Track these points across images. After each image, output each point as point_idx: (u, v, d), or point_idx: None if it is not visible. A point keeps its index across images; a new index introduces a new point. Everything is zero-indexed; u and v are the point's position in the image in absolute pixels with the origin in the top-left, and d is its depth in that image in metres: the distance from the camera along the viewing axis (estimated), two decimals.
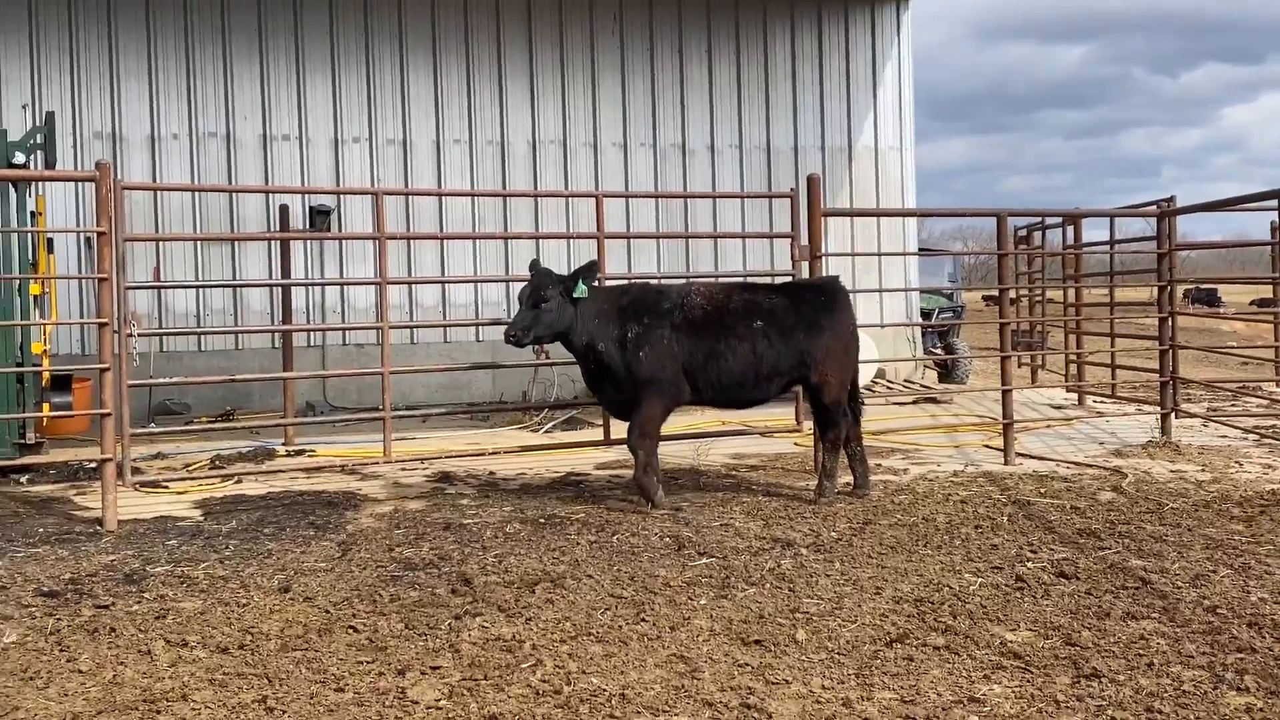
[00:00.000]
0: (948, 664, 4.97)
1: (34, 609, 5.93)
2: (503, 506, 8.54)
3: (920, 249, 21.36)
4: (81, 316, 14.19)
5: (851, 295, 9.18)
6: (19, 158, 10.87)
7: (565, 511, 8.29)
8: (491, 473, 10.08)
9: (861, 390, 9.55)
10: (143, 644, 5.29)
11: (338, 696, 4.60)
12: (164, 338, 14.43)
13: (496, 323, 15.46)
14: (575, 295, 8.54)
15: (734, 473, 9.95)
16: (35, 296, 11.11)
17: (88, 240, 13.88)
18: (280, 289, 14.03)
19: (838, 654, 5.11)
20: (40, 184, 11.35)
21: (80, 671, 4.95)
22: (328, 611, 5.78)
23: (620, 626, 5.50)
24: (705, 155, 17.53)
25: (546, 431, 12.90)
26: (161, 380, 11.44)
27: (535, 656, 5.05)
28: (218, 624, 5.58)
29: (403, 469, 10.21)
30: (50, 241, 11.44)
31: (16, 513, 8.73)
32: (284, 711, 4.45)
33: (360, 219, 15.74)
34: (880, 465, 10.27)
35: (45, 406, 10.69)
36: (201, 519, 8.34)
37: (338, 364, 15.26)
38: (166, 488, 9.54)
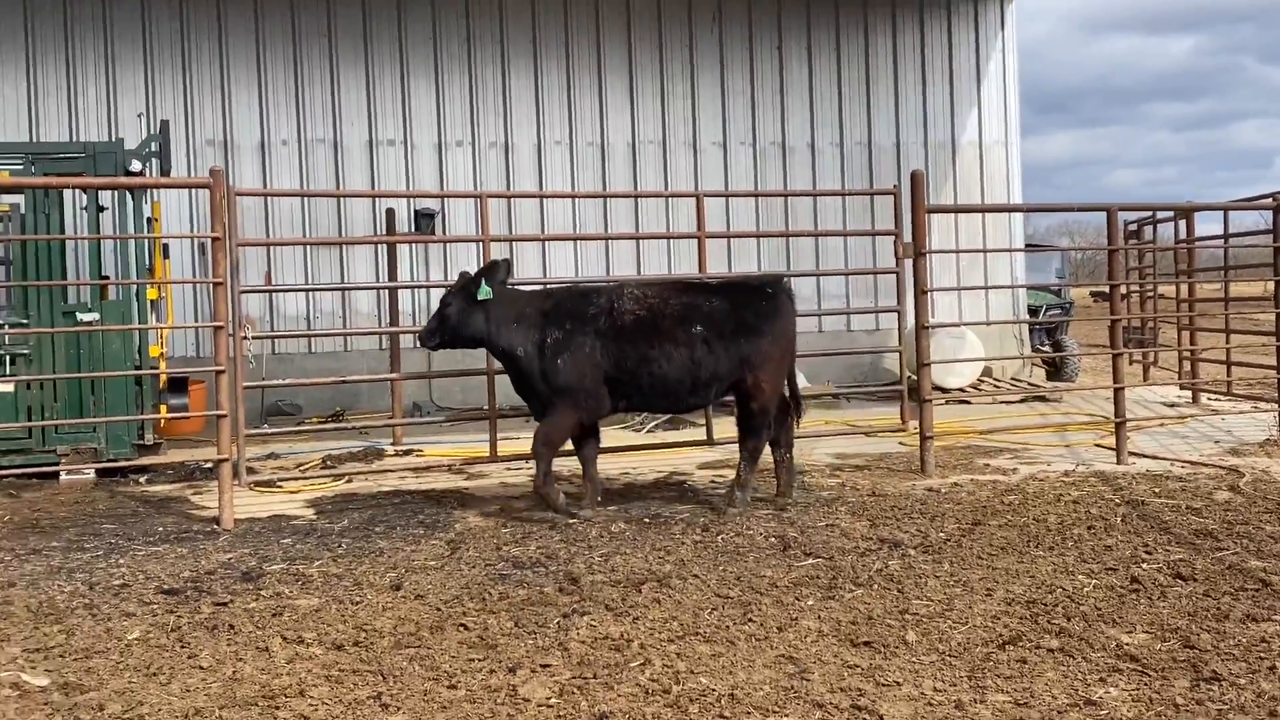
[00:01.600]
0: (1062, 667, 4.89)
1: (155, 606, 6.10)
2: (607, 506, 8.58)
3: (1027, 245, 20.99)
4: (196, 320, 14.55)
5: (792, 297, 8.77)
6: (135, 165, 11.21)
7: (669, 511, 8.32)
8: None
9: (801, 395, 9.13)
10: (260, 641, 5.42)
11: (450, 693, 4.67)
12: (275, 340, 14.77)
13: None
14: (480, 297, 8.28)
15: (838, 473, 9.88)
16: (152, 301, 11.45)
17: (201, 246, 14.25)
18: (387, 291, 14.26)
19: (949, 656, 5.06)
20: (156, 191, 11.68)
21: (201, 668, 5.08)
22: (439, 609, 5.87)
23: (727, 626, 5.51)
24: (805, 153, 17.43)
25: (649, 431, 12.93)
26: (274, 382, 11.70)
27: (643, 655, 5.08)
28: (333, 621, 5.69)
29: (508, 468, 10.31)
30: (166, 247, 11.77)
31: (136, 512, 8.99)
32: (398, 708, 4.53)
33: (464, 221, 15.93)
34: (988, 465, 10.12)
35: (163, 408, 11.01)
36: (314, 517, 8.52)
37: (443, 365, 15.44)
38: (280, 487, 9.75)
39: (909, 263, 10.26)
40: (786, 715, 4.42)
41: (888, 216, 13.45)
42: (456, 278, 8.62)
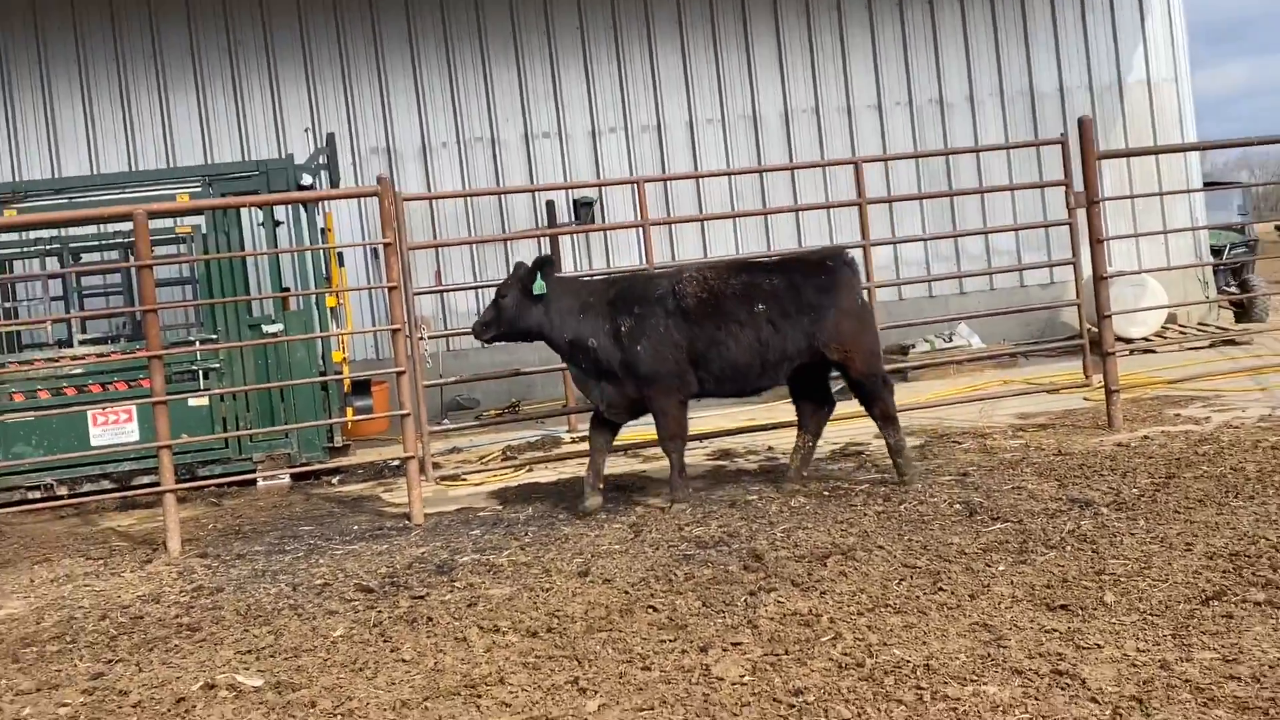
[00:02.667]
0: (1271, 620, 4.69)
1: (356, 603, 6.32)
2: (785, 481, 8.54)
3: (1205, 184, 20.11)
4: (374, 324, 15.00)
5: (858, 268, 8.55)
6: (306, 179, 11.62)
7: (848, 483, 8.24)
8: (770, 447, 10.11)
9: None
10: (458, 631, 5.57)
11: (645, 675, 4.72)
12: (450, 338, 15.12)
13: None
14: (535, 292, 8.14)
15: (1021, 433, 9.63)
16: (331, 309, 11.86)
17: (374, 251, 14.67)
18: None
19: (1150, 615, 4.90)
20: (328, 202, 12.08)
21: (404, 661, 5.24)
22: (627, 592, 5.94)
23: (918, 596, 5.44)
24: (964, 107, 17.03)
25: None
26: (452, 379, 11.99)
27: (834, 630, 5.05)
28: (525, 609, 5.81)
29: None
30: (340, 256, 12.17)
31: (331, 512, 9.33)
32: (595, 691, 4.60)
33: (622, 207, 16.03)
34: (1179, 415, 9.75)
35: (349, 411, 11.40)
36: (500, 508, 8.71)
37: None
38: (465, 480, 10.00)
39: (1081, 212, 9.95)
40: (985, 683, 4.34)
41: (1055, 166, 13.06)
42: (513, 268, 8.50)
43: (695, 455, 10.09)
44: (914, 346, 14.92)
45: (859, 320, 8.22)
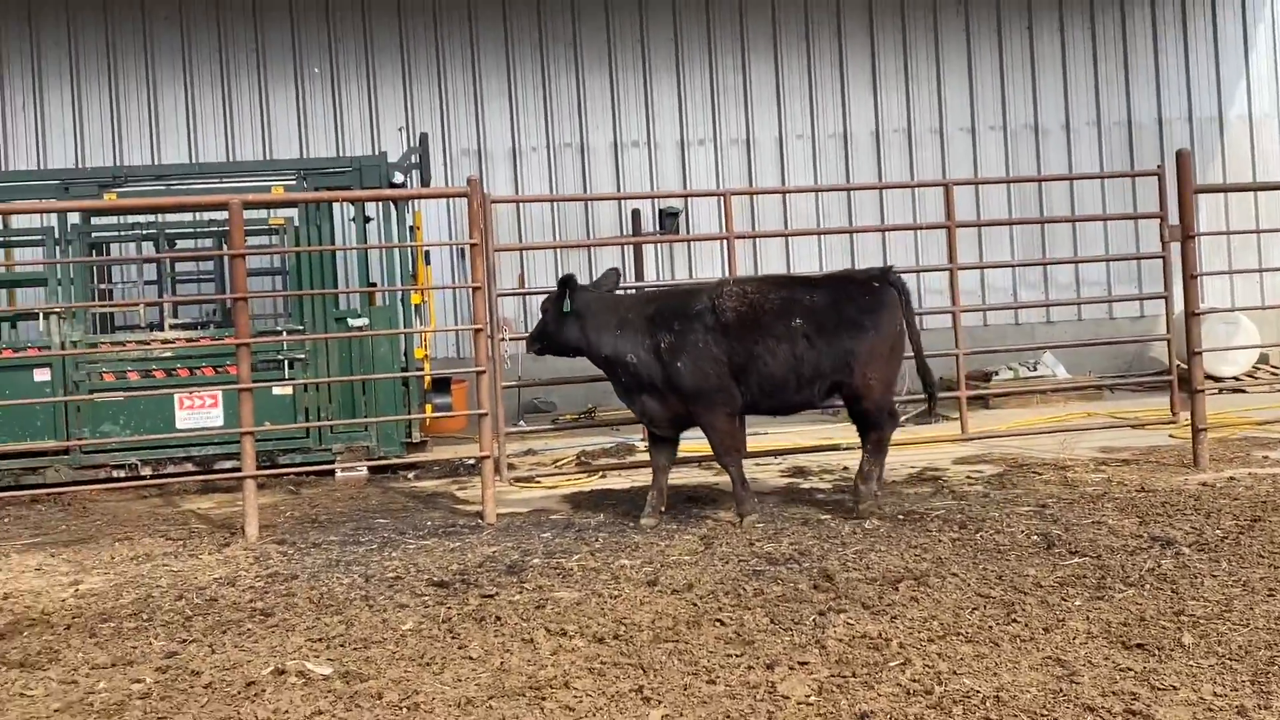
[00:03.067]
0: None
1: (427, 598, 6.38)
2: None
3: None
4: (456, 323, 15.14)
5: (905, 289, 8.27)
6: (398, 177, 11.77)
7: (924, 507, 8.15)
8: (845, 468, 10.02)
9: (936, 390, 8.62)
10: (526, 632, 5.59)
11: (710, 689, 4.71)
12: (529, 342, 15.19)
13: None
14: (564, 310, 8.21)
15: (1103, 467, 9.47)
16: (415, 306, 11.99)
17: (460, 252, 14.81)
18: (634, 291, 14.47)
19: (1229, 659, 4.78)
20: (417, 200, 12.22)
21: (471, 658, 5.27)
22: (695, 604, 5.92)
23: (990, 627, 5.36)
24: (1059, 135, 16.82)
25: (900, 425, 12.68)
26: (531, 381, 12.07)
27: (903, 655, 4.99)
28: (593, 614, 5.82)
29: (756, 464, 10.31)
30: (427, 254, 12.31)
31: (406, 507, 9.43)
32: (659, 701, 4.59)
33: (707, 219, 16.04)
34: (1267, 457, 9.54)
35: (428, 408, 11.52)
36: (572, 512, 8.74)
37: None
38: (539, 482, 10.05)
39: (1176, 246, 9.76)
40: (1056, 718, 4.27)
41: (1150, 198, 12.84)
42: (557, 283, 8.50)
43: (768, 471, 10.06)
44: (996, 374, 14.73)
45: (891, 349, 8.09)
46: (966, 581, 6.12)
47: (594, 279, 8.77)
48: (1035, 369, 14.78)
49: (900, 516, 7.87)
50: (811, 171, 16.48)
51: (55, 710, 4.84)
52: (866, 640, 5.22)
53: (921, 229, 15.77)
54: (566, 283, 8.25)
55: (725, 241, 10.04)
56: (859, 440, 8.31)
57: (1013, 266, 16.18)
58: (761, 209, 16.20)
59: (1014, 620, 5.43)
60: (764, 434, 11.41)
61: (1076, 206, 16.46)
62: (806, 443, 11.12)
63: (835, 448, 10.35)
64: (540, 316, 8.47)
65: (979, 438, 10.79)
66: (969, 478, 9.36)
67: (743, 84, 16.48)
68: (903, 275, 8.34)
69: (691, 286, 8.71)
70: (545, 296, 8.57)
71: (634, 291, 10.18)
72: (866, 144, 16.63)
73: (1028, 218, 16.14)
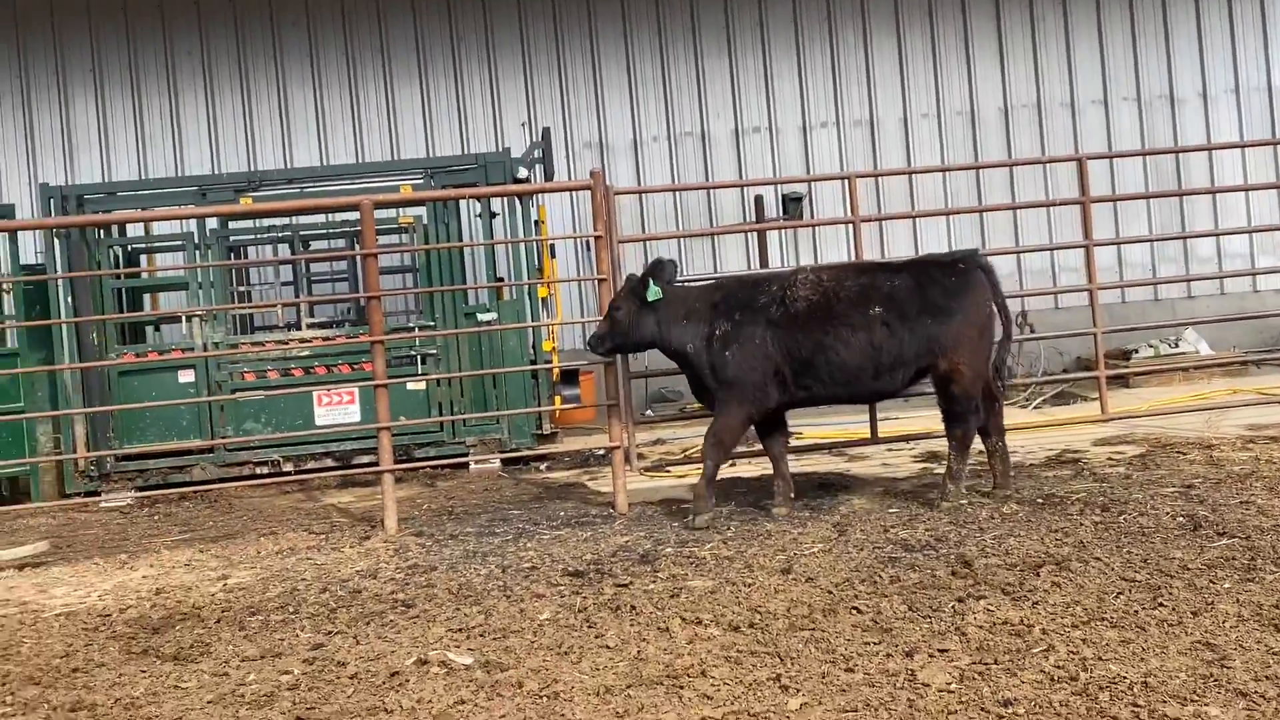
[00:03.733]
0: None
1: (562, 588, 6.44)
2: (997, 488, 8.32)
3: None
4: (583, 315, 15.25)
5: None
6: (522, 172, 11.90)
7: (1064, 491, 7.95)
8: (980, 451, 9.83)
9: (1004, 380, 8.31)
10: (661, 621, 5.60)
11: (848, 677, 4.66)
12: None
13: None
14: (649, 299, 8.01)
15: (1251, 445, 9.13)
16: (542, 299, 12.11)
17: (585, 244, 14.91)
18: None
19: None
20: (540, 194, 12.33)
21: (608, 647, 5.30)
22: (830, 592, 5.87)
23: (1136, 611, 5.21)
24: (1196, 104, 16.28)
25: (1035, 407, 12.44)
26: (657, 371, 12.08)
27: (1046, 641, 4.88)
28: (727, 603, 5.81)
29: (889, 449, 10.20)
30: (552, 247, 12.43)
31: (539, 497, 9.53)
32: (798, 690, 4.56)
33: (831, 203, 15.88)
34: None
35: (558, 399, 11.63)
36: None
37: None
38: (669, 472, 10.07)
39: None
40: (1207, 704, 4.13)
41: None
42: (624, 280, 8.41)
43: (901, 457, 9.93)
44: (1137, 352, 14.32)
45: (980, 333, 7.86)
46: (1110, 565, 5.96)
47: (653, 268, 8.43)
48: (1176, 346, 14.33)
49: (1040, 500, 7.69)
50: (938, 151, 16.21)
51: (208, 702, 5.00)
52: (1008, 627, 5.12)
53: (1055, 206, 15.43)
54: (653, 271, 8.15)
55: (851, 225, 9.92)
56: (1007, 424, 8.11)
57: (1151, 241, 15.74)
58: (887, 191, 16.00)
59: (1161, 604, 5.27)
60: (895, 419, 11.27)
61: (1216, 178, 15.91)
62: (938, 427, 10.94)
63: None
64: (608, 315, 8.26)
65: (1119, 418, 10.51)
66: (1110, 459, 9.11)
67: (865, 63, 16.27)
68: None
69: (762, 275, 8.52)
70: (615, 294, 8.44)
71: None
72: (995, 120, 16.29)
73: (1165, 190, 15.64)
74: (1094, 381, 10.64)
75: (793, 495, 8.15)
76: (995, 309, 7.94)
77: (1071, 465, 8.97)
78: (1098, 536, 6.62)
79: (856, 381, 7.83)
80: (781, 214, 15.43)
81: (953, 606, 5.47)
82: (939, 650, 4.88)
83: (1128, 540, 6.48)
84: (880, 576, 6.09)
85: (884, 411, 10.02)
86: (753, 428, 8.33)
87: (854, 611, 5.53)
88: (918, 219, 15.90)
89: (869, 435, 9.85)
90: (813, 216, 15.65)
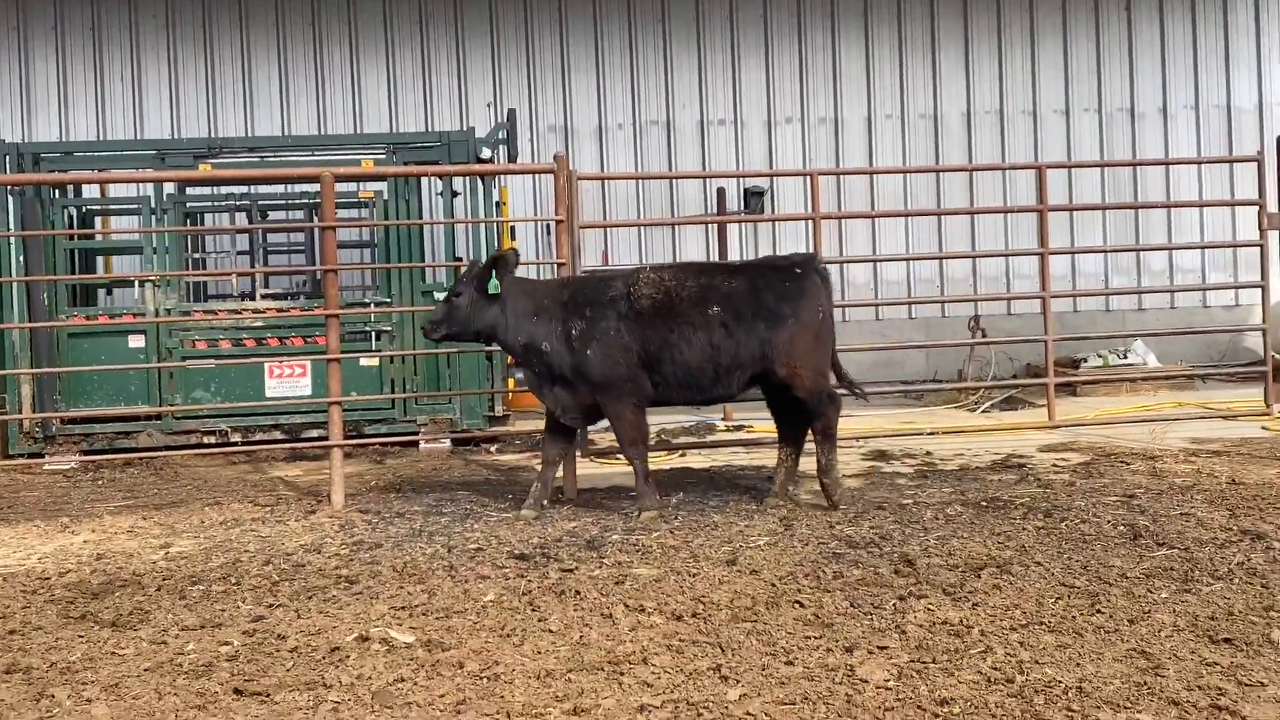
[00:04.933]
0: None
1: (507, 570, 6.44)
2: (942, 487, 8.41)
3: None
4: None
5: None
6: (485, 153, 11.86)
7: (1008, 495, 8.05)
8: (928, 452, 9.95)
9: (855, 383, 8.43)
10: (604, 607, 5.62)
11: (788, 670, 4.71)
12: None
13: (929, 300, 15.35)
14: (490, 291, 7.86)
15: (1193, 458, 9.28)
16: None
17: (545, 228, 14.89)
18: None
19: None
20: (503, 176, 12.30)
21: (550, 631, 5.32)
22: (773, 585, 5.92)
23: (1074, 617, 5.28)
24: (1156, 118, 16.47)
25: (984, 411, 12.57)
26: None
27: (984, 643, 4.95)
28: (671, 592, 5.84)
29: (839, 446, 10.25)
30: (513, 229, 12.39)
31: (488, 479, 9.53)
32: (738, 681, 4.60)
33: (793, 199, 15.94)
34: None
35: (510, 381, 11.61)
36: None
37: None
38: (618, 459, 10.07)
39: (1274, 234, 9.54)
40: (1139, 712, 4.21)
41: (1249, 185, 12.52)
42: (465, 268, 8.30)
43: (849, 454, 10.00)
44: (1086, 360, 14.50)
45: (816, 336, 7.90)
46: (1050, 570, 6.05)
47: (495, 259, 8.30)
48: (1125, 357, 14.52)
49: (984, 503, 7.78)
50: (900, 152, 16.31)
51: (145, 670, 4.96)
52: (947, 627, 5.18)
53: (1012, 212, 15.59)
54: (496, 262, 7.98)
55: (811, 222, 9.98)
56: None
57: (1105, 252, 15.92)
58: (848, 190, 16.08)
59: (1098, 611, 5.35)
60: (849, 416, 11.34)
61: (1172, 192, 16.12)
62: (890, 426, 11.06)
63: (919, 432, 10.27)
64: (445, 300, 8.11)
65: (1066, 425, 10.65)
66: (1055, 466, 9.23)
67: (832, 63, 16.33)
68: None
69: (608, 273, 8.43)
70: (456, 279, 8.35)
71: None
72: (957, 125, 16.41)
73: (1122, 202, 15.83)
74: (1042, 388, 10.77)
75: (545, 503, 8.08)
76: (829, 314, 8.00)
77: (1017, 470, 9.08)
78: (1039, 541, 6.70)
79: (698, 382, 7.83)
80: (743, 207, 15.50)
81: (894, 604, 5.52)
82: (879, 647, 4.94)
83: (1069, 546, 6.57)
84: (824, 572, 6.14)
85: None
86: (546, 430, 8.28)
87: (796, 605, 5.57)
88: (877, 219, 16.00)
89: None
90: (774, 211, 15.72)
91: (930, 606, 5.46)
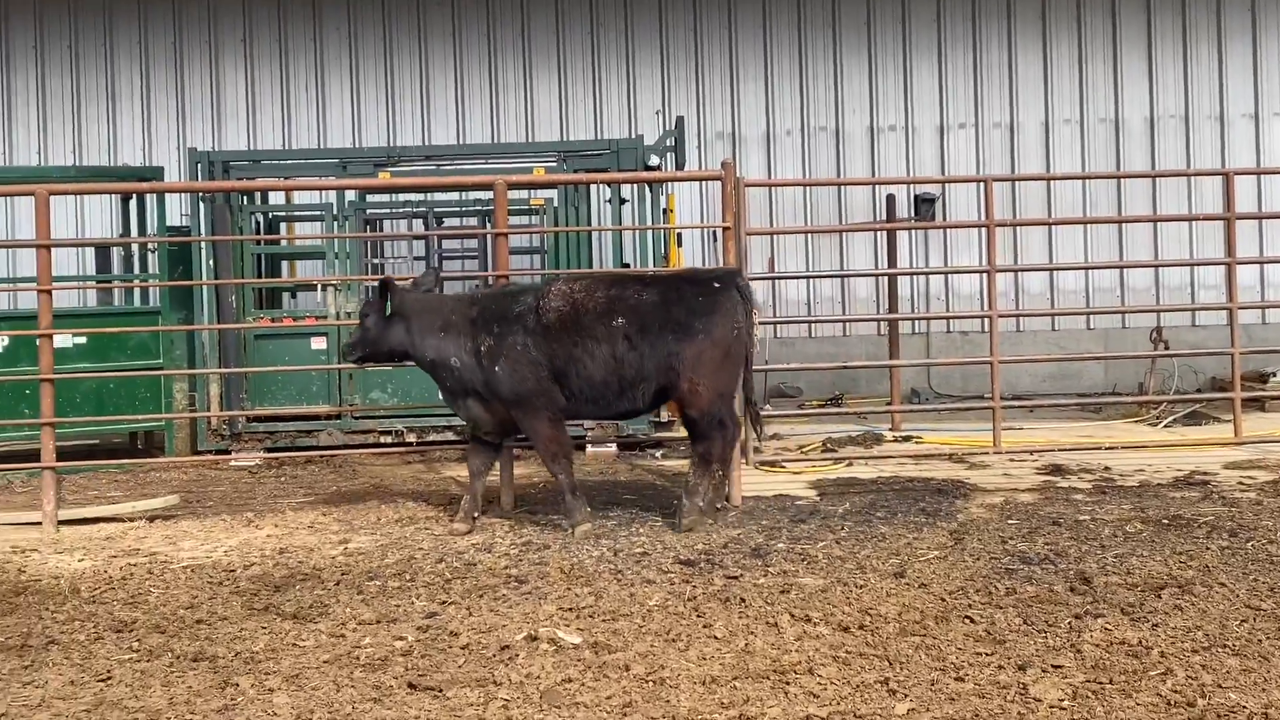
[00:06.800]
0: None
1: (673, 575, 6.48)
2: (1120, 504, 8.13)
3: None
4: None
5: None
6: (653, 160, 11.93)
7: (1191, 512, 7.74)
8: (1106, 468, 9.63)
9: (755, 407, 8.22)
10: (769, 616, 5.61)
11: (958, 686, 4.62)
12: (778, 325, 15.23)
13: (1109, 311, 14.87)
14: (385, 313, 7.83)
15: None
16: None
17: (712, 234, 14.91)
18: (886, 278, 14.28)
19: None
20: (671, 183, 12.36)
21: (715, 637, 5.33)
22: (943, 599, 5.82)
23: (1260, 640, 5.07)
24: None
25: (1166, 426, 12.10)
26: (777, 366, 12.07)
27: (1164, 665, 4.78)
28: (838, 603, 5.79)
29: (1011, 459, 10.03)
30: (679, 236, 12.44)
31: (653, 484, 9.59)
32: (906, 695, 4.54)
33: (965, 206, 15.63)
34: None
35: None
36: (817, 499, 8.69)
37: (942, 352, 15.32)
38: (784, 468, 10.05)
39: None
40: None
41: None
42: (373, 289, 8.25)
43: (1023, 468, 9.75)
44: (1274, 375, 13.85)
45: (725, 354, 7.69)
46: (1235, 592, 5.81)
47: (416, 278, 8.45)
48: None
49: (1165, 521, 7.50)
50: (1079, 158, 15.84)
51: (324, 661, 5.15)
52: (1125, 647, 5.02)
53: (1197, 220, 15.00)
54: (386, 285, 7.95)
55: (984, 229, 9.77)
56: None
57: None
58: (1024, 196, 15.70)
59: None
60: (1018, 429, 11.09)
61: None
62: (1066, 440, 10.76)
63: (1097, 446, 9.97)
64: (359, 325, 8.14)
65: (1253, 442, 10.19)
66: (1241, 483, 8.84)
67: (1008, 65, 15.97)
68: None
69: (520, 287, 8.38)
70: (364, 304, 8.41)
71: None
72: (1140, 130, 15.86)
73: None
74: (1228, 403, 10.33)
75: (477, 515, 7.98)
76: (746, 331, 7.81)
77: (1200, 487, 8.72)
78: (1223, 561, 6.44)
79: (603, 397, 7.73)
80: (913, 214, 15.25)
81: (1069, 623, 5.38)
82: (1053, 666, 4.82)
83: (1255, 567, 6.30)
84: (996, 587, 6.01)
85: (1008, 421, 9.85)
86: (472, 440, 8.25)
87: (967, 620, 5.47)
88: (1054, 226, 15.58)
89: (991, 444, 9.69)
90: (945, 219, 15.43)
91: (1107, 626, 5.30)
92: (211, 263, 11.71)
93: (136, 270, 12.58)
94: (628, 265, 12.15)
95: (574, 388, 7.70)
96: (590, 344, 7.59)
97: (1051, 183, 15.63)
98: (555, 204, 12.02)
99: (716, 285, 7.81)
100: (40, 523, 8.30)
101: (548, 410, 7.76)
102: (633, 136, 13.94)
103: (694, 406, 7.67)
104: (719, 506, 8.14)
